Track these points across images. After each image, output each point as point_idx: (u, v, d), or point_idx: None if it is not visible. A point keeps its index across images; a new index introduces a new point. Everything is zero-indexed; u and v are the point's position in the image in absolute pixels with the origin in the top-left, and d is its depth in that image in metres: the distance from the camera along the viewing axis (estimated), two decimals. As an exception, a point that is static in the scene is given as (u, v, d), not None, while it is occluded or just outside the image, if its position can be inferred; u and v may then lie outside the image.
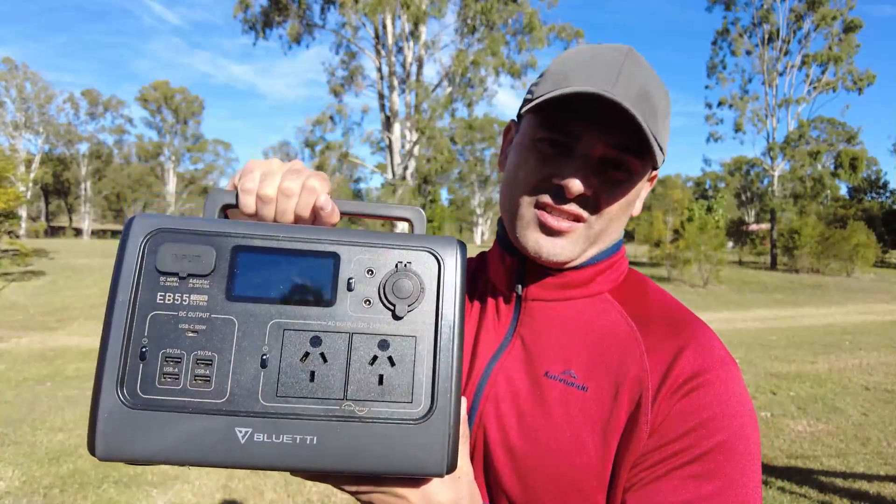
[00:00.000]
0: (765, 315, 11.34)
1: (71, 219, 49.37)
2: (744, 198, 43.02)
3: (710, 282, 16.23)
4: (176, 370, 0.37)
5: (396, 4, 15.24)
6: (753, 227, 36.64)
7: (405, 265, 0.40)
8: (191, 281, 0.39)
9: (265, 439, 0.37)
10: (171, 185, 44.06)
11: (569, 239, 0.57)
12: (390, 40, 17.10)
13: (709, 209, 26.77)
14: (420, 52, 17.25)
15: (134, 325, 0.38)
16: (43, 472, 3.32)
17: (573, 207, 0.55)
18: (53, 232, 42.99)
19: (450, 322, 0.40)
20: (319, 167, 16.66)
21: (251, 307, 0.39)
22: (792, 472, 3.44)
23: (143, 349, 0.38)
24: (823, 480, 3.33)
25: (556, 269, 0.60)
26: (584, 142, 0.55)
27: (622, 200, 0.57)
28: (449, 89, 16.63)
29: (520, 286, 0.62)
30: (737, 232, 34.74)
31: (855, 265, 20.42)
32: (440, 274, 0.41)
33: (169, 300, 0.38)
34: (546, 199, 0.56)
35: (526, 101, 0.59)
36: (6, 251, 14.35)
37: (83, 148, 42.15)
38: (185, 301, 0.38)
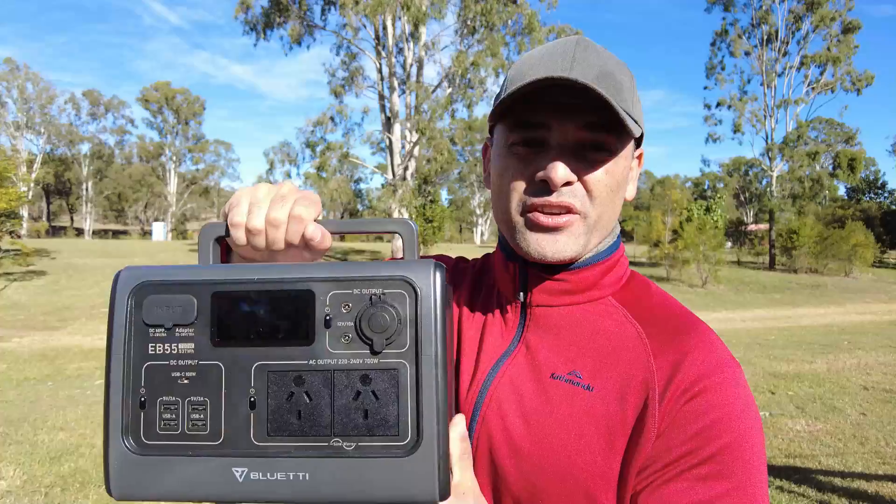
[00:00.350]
0: (763, 315, 11.36)
1: (72, 219, 49.37)
2: (742, 198, 43.07)
3: (708, 282, 16.26)
4: (174, 416, 0.40)
5: (397, 6, 15.25)
6: (752, 227, 36.67)
7: (380, 297, 0.40)
8: (177, 330, 0.41)
9: (261, 477, 0.39)
10: (173, 185, 44.05)
11: (568, 234, 0.56)
12: (390, 41, 17.11)
13: (707, 209, 26.79)
14: (420, 54, 17.27)
15: (131, 376, 0.40)
16: (44, 471, 3.34)
17: (563, 199, 0.54)
18: (55, 232, 42.96)
19: (430, 352, 0.39)
20: (320, 167, 16.66)
21: (235, 351, 0.40)
22: (790, 472, 3.46)
23: (143, 398, 0.40)
24: (822, 480, 3.35)
25: (558, 273, 0.60)
26: (556, 131, 0.54)
27: (611, 181, 0.56)
28: (449, 90, 16.64)
29: (522, 293, 0.61)
30: (735, 232, 34.79)
31: (853, 265, 20.46)
32: (417, 303, 0.40)
33: (160, 350, 0.41)
34: (534, 199, 0.55)
35: (490, 117, 0.60)
36: (8, 251, 14.36)
37: (84, 148, 42.21)
38: (174, 350, 0.41)
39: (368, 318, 0.39)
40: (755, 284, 16.94)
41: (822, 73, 25.69)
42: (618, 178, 0.57)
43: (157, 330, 0.41)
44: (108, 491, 0.40)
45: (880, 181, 45.89)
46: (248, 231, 0.45)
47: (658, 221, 20.97)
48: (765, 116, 25.89)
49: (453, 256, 0.77)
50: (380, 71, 17.50)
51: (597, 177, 0.55)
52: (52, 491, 3.09)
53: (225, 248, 0.49)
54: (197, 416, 0.40)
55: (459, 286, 0.69)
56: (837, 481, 3.33)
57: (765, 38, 25.52)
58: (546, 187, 0.54)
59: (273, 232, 0.45)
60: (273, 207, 0.45)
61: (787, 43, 25.54)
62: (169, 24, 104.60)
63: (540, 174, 0.54)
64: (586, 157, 0.55)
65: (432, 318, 0.39)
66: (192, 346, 0.40)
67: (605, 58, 0.56)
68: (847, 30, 24.82)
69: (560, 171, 0.53)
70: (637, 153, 0.62)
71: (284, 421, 0.39)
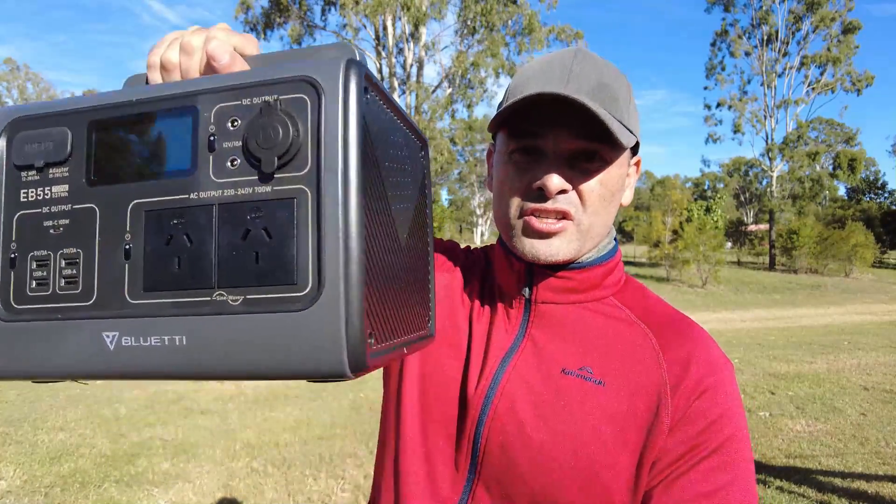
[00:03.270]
0: (763, 315, 11.36)
1: (70, 219, 49.25)
2: (742, 198, 43.07)
3: (708, 282, 16.25)
4: (45, 273, 0.33)
5: (397, 6, 15.25)
6: (752, 227, 36.72)
7: (272, 104, 0.30)
8: (50, 171, 0.34)
9: (133, 343, 0.32)
10: (171, 185, 44.01)
11: (561, 238, 0.58)
12: (391, 42, 17.11)
13: (707, 210, 26.82)
14: (420, 54, 17.27)
15: (2, 231, 0.34)
16: (44, 471, 3.33)
17: (558, 205, 0.57)
18: (53, 232, 42.90)
19: (336, 172, 0.29)
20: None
21: (111, 190, 0.33)
22: (790, 472, 3.45)
23: (13, 255, 0.34)
24: (822, 480, 3.35)
25: (560, 270, 0.62)
26: (551, 140, 0.57)
27: (603, 191, 0.59)
28: (449, 90, 16.64)
29: (528, 289, 0.63)
30: (735, 232, 34.81)
31: (853, 266, 20.46)
32: (320, 109, 0.30)
33: (32, 197, 0.34)
34: (531, 204, 0.58)
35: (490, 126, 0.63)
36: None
37: (83, 148, 42.15)
38: (47, 195, 0.34)
39: (259, 132, 0.30)
40: (755, 285, 16.94)
41: (822, 74, 25.71)
42: (611, 186, 0.59)
43: (28, 173, 0.34)
44: None
45: (880, 181, 45.92)
46: (163, 68, 0.39)
47: (658, 222, 20.97)
48: (765, 117, 25.90)
49: (462, 246, 0.78)
50: (380, 71, 17.49)
51: (590, 186, 0.58)
52: (52, 491, 3.08)
53: None
54: (69, 271, 0.33)
55: (472, 274, 0.71)
56: (838, 482, 3.33)
57: (765, 38, 25.54)
58: (542, 194, 0.57)
59: (186, 61, 0.38)
60: (190, 35, 0.39)
61: (788, 43, 25.56)
62: (169, 23, 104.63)
63: (536, 183, 0.57)
64: (579, 167, 0.57)
65: (340, 126, 0.29)
66: (67, 187, 0.33)
67: (601, 69, 0.58)
68: (847, 30, 24.84)
69: (554, 180, 0.56)
70: (634, 160, 0.65)
71: (162, 271, 0.31)
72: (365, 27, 17.00)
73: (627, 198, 0.65)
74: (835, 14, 24.39)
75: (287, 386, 5.04)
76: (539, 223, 0.58)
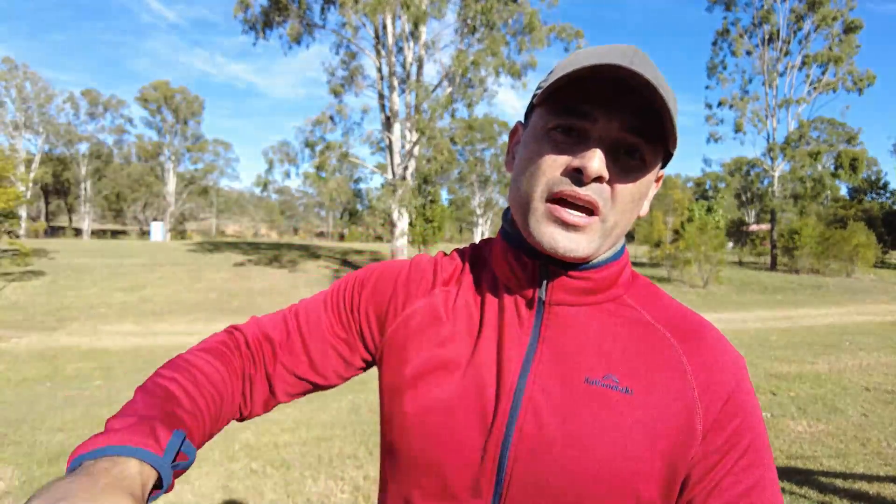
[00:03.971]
0: (765, 315, 11.33)
1: (71, 219, 49.35)
2: (744, 198, 43.03)
3: (710, 282, 16.22)
4: None
5: (397, 5, 15.22)
6: (753, 227, 36.71)
7: None
8: None
9: None
10: (171, 185, 44.08)
11: (585, 233, 0.54)
12: (390, 40, 17.08)
13: (709, 209, 26.79)
14: (420, 53, 17.24)
15: None
16: (43, 472, 3.32)
17: (589, 194, 0.53)
18: (53, 232, 42.97)
19: None
20: (319, 167, 16.63)
21: None
22: (792, 473, 3.44)
23: None
24: (823, 481, 3.33)
25: (576, 269, 0.59)
26: (600, 123, 0.53)
27: (636, 191, 0.55)
28: (449, 89, 16.60)
29: (544, 291, 0.59)
30: (737, 232, 34.78)
31: (855, 266, 20.44)
32: None
33: None
34: (561, 187, 0.53)
35: (535, 97, 0.58)
36: (6, 251, 14.35)
37: (83, 148, 42.14)
38: None
39: None
40: (757, 285, 16.92)
41: (823, 73, 25.65)
42: (642, 189, 0.56)
43: None
44: None
45: (882, 181, 45.80)
46: None
47: (659, 222, 20.97)
48: (766, 116, 25.86)
49: (433, 255, 0.71)
50: (379, 70, 17.47)
51: (625, 183, 0.54)
52: (49, 492, 3.07)
53: None
54: None
55: (461, 282, 0.65)
56: (839, 482, 3.31)
57: (766, 37, 25.49)
58: (577, 178, 0.53)
59: None
60: None
61: (789, 42, 25.51)
62: (167, 21, 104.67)
63: (575, 162, 0.52)
64: (620, 161, 0.54)
65: None
66: None
67: (656, 71, 0.55)
68: (848, 29, 24.78)
69: (597, 162, 0.51)
70: (659, 173, 0.62)
71: None
72: (364, 26, 16.97)
73: (644, 209, 0.62)
74: (836, 13, 24.33)
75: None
76: (566, 214, 0.53)
